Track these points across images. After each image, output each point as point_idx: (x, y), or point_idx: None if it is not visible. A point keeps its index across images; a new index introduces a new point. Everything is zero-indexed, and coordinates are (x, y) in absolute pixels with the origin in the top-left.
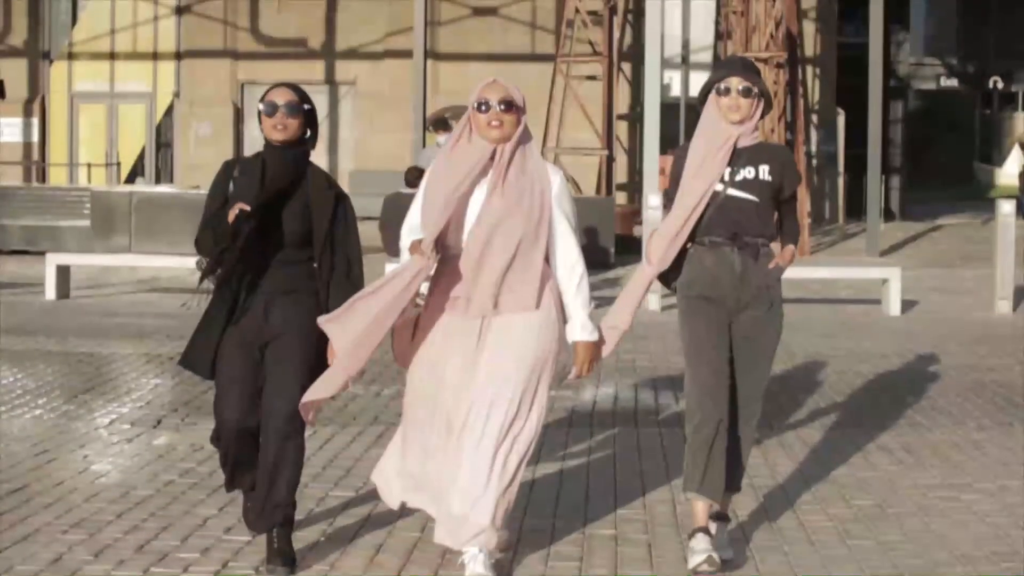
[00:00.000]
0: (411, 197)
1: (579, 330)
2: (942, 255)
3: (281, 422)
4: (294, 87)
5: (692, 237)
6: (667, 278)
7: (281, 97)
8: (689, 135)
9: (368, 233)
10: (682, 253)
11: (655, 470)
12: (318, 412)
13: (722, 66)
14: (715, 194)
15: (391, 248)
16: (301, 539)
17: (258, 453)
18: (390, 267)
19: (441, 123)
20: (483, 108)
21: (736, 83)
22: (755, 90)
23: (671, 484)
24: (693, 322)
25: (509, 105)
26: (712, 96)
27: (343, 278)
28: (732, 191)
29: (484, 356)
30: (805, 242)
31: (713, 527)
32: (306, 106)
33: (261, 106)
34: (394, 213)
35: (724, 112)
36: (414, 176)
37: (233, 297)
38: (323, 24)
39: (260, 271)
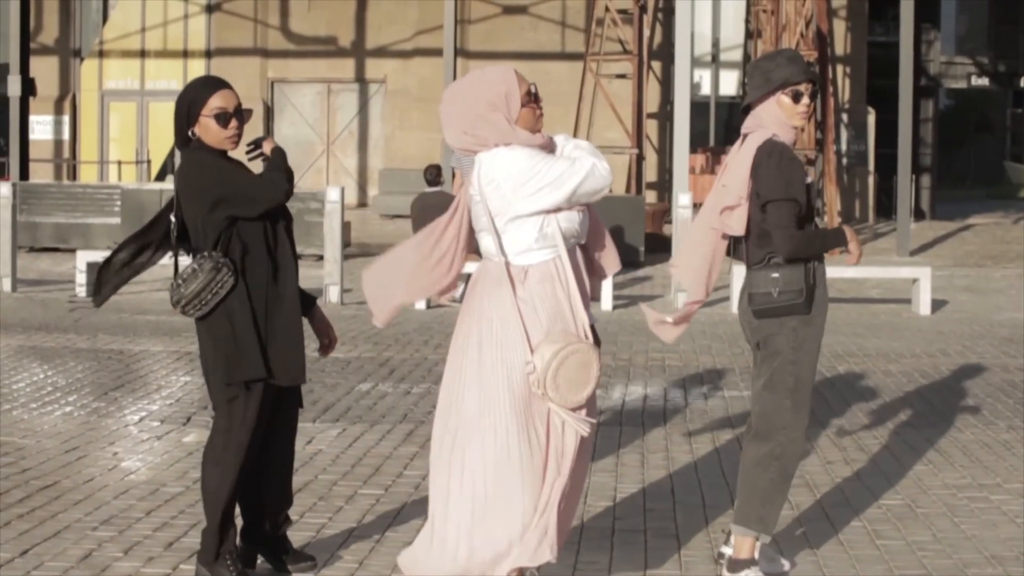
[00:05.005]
0: (435, 195)
1: None
2: (972, 255)
3: (294, 428)
4: (229, 84)
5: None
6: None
7: (231, 102)
8: (719, 135)
9: (399, 231)
10: (800, 269)
11: (685, 468)
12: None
13: (790, 63)
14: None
15: None
16: (330, 536)
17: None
18: None
19: None
20: (531, 99)
21: (808, 89)
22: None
23: (700, 482)
24: (817, 349)
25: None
26: (780, 96)
27: None
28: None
29: None
30: None
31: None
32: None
33: (203, 110)
34: (420, 213)
35: (791, 117)
36: (433, 175)
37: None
38: (353, 22)
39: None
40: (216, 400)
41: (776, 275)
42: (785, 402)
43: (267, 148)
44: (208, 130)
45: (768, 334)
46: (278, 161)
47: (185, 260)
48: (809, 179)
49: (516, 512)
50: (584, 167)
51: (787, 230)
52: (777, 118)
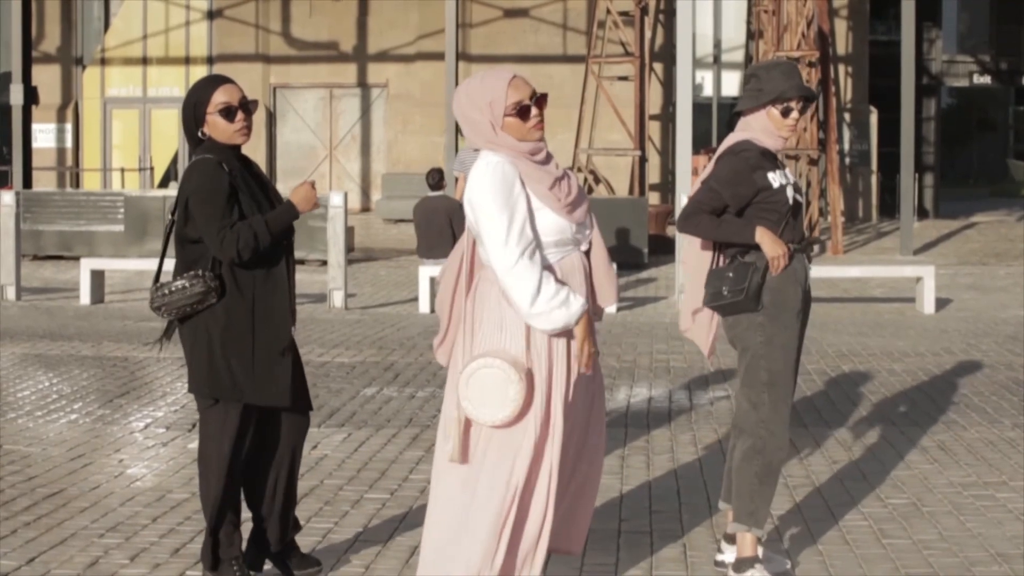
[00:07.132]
0: (438, 199)
1: None
2: (976, 253)
3: (301, 433)
4: (231, 79)
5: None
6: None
7: (234, 95)
8: (722, 136)
9: (402, 236)
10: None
11: (690, 470)
12: None
13: (785, 78)
14: (796, 202)
15: (423, 251)
16: (336, 542)
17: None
18: (424, 269)
19: None
20: (517, 111)
21: (798, 105)
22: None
23: (705, 484)
24: (790, 345)
25: (543, 97)
26: (770, 109)
27: None
28: (799, 196)
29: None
30: (838, 241)
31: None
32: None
33: (208, 108)
34: (423, 217)
35: (779, 128)
36: (436, 179)
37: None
38: (355, 27)
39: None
40: (198, 405)
41: (731, 275)
42: (761, 396)
43: (292, 195)
44: (216, 127)
45: (738, 331)
46: (271, 222)
47: (172, 267)
48: (776, 183)
49: (470, 548)
50: (527, 293)
51: (689, 207)
52: (765, 127)
